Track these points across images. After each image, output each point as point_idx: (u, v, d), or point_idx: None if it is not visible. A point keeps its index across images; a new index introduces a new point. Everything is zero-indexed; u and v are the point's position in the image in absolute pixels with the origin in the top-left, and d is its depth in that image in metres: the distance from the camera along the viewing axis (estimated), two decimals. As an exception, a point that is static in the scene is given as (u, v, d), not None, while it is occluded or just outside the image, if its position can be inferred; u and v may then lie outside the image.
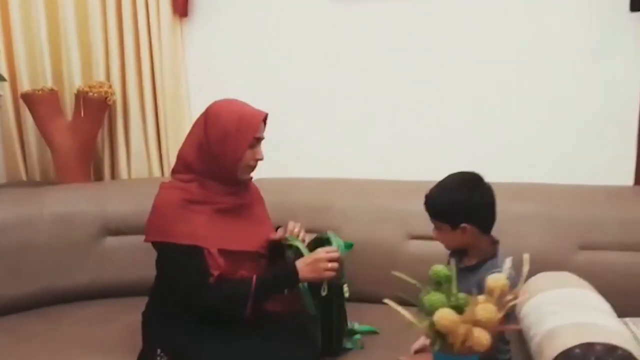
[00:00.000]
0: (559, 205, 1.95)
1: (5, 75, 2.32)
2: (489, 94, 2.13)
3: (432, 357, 1.28)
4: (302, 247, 1.64)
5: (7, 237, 2.02)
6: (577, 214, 1.92)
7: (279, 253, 1.69)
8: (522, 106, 2.11)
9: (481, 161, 2.05)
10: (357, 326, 1.81)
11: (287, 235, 1.69)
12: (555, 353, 1.32)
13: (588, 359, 1.27)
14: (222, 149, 1.60)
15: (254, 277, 1.56)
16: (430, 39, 2.17)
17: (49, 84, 2.42)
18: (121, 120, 2.43)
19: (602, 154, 2.06)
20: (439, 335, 1.17)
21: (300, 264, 1.58)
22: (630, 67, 1.99)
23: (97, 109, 2.32)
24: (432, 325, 1.16)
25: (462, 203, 1.44)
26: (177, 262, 1.58)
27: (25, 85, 2.42)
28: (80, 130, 2.34)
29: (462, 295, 1.20)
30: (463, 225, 1.44)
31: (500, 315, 1.18)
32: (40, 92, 2.32)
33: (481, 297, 1.19)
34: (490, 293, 1.17)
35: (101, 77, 2.40)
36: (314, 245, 1.67)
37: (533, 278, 1.65)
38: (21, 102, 2.39)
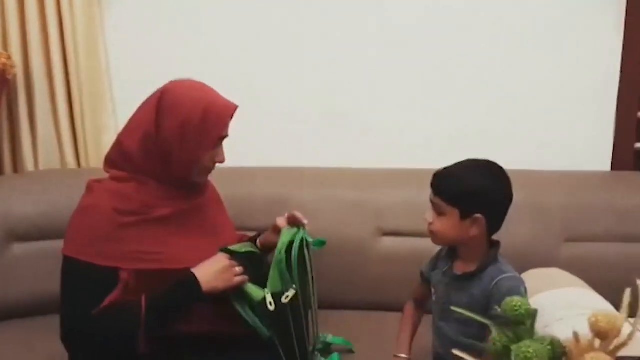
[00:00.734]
0: (541, 194, 1.81)
1: None
2: (465, 79, 1.97)
3: None
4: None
5: None
6: (560, 203, 1.79)
7: None
8: (499, 91, 1.97)
9: (457, 147, 1.98)
10: (330, 338, 1.58)
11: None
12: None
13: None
14: (177, 147, 1.28)
15: (143, 298, 1.26)
16: (400, 22, 1.96)
17: None
18: (24, 99, 2.02)
19: (578, 139, 1.96)
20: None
21: (203, 272, 1.30)
22: (610, 50, 1.89)
23: (-9, 85, 1.91)
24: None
25: (487, 191, 1.25)
26: (69, 283, 1.28)
27: None
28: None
29: (553, 338, 0.95)
30: (477, 215, 1.24)
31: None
32: None
33: (582, 340, 0.92)
34: (601, 336, 0.91)
35: (-5, 45, 1.97)
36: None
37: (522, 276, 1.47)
38: None
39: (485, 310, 1.22)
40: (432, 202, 1.29)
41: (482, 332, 1.24)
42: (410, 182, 1.87)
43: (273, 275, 1.35)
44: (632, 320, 0.93)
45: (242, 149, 1.99)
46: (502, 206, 1.27)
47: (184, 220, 1.36)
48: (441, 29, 1.94)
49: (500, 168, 1.29)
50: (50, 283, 1.59)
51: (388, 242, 1.82)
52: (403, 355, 1.38)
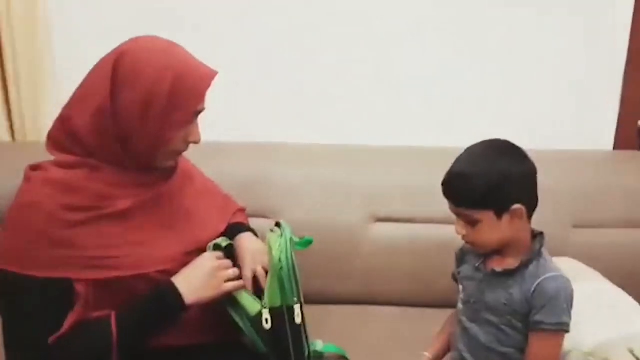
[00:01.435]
0: (547, 177, 1.60)
1: None
2: (463, 52, 1.82)
3: None
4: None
5: None
6: (567, 186, 1.66)
7: None
8: (498, 67, 1.83)
9: (455, 124, 1.84)
10: (320, 346, 1.37)
11: None
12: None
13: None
14: (139, 126, 1.03)
15: (113, 316, 1.03)
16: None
17: None
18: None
19: (581, 117, 1.84)
20: None
21: (186, 280, 1.08)
22: (618, 25, 1.77)
23: None
24: None
25: (511, 175, 1.06)
26: (9, 305, 1.02)
27: None
28: None
29: None
30: (515, 206, 1.06)
31: None
32: None
33: None
34: None
35: None
36: None
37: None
38: None
39: (525, 314, 1.08)
40: (456, 214, 1.11)
41: (524, 341, 1.10)
42: (406, 161, 1.71)
43: (272, 287, 1.13)
44: None
45: (215, 121, 1.76)
46: (531, 181, 1.10)
47: (150, 213, 1.10)
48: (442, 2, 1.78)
49: (505, 142, 1.12)
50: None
51: (382, 229, 1.65)
52: (426, 354, 1.24)
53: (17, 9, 1.70)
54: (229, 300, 1.13)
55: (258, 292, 1.15)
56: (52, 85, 1.77)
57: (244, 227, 1.30)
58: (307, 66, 1.82)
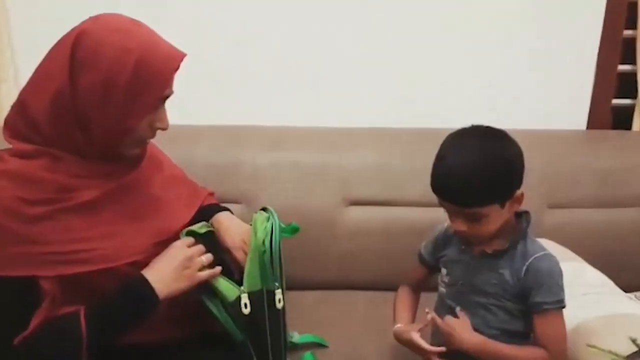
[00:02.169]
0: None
1: None
2: (436, 35, 1.78)
3: None
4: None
5: None
6: (541, 166, 1.66)
7: None
8: (470, 47, 1.79)
9: (428, 105, 1.80)
10: (296, 337, 1.35)
11: None
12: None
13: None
14: (100, 112, 0.97)
15: (82, 311, 0.98)
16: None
17: None
18: None
19: (554, 96, 1.82)
20: None
21: (158, 272, 1.04)
22: (591, 3, 1.74)
23: None
24: None
25: (509, 165, 1.05)
26: None
27: None
28: None
29: None
30: (517, 193, 1.06)
31: None
32: None
33: None
34: None
35: None
36: None
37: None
38: None
39: (515, 294, 1.09)
40: (456, 212, 1.06)
41: (513, 322, 1.10)
42: (379, 143, 1.68)
43: (251, 270, 1.10)
44: None
45: (184, 104, 1.71)
46: (523, 162, 1.08)
47: (117, 203, 1.05)
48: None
49: (489, 128, 1.09)
50: None
51: (356, 212, 1.63)
52: (399, 325, 1.21)
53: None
54: (204, 288, 1.09)
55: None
56: (10, 67, 1.69)
57: (220, 207, 1.26)
58: (278, 49, 1.76)
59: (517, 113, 1.80)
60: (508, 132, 1.09)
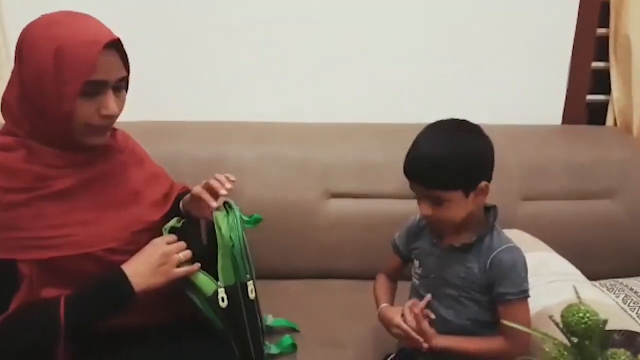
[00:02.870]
0: (496, 151, 1.67)
1: None
2: (414, 29, 1.80)
3: None
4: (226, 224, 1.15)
5: None
6: (516, 160, 1.70)
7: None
8: (447, 42, 1.81)
9: (406, 100, 1.83)
10: (270, 320, 1.41)
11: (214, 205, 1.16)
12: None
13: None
14: (40, 100, 1.01)
15: (62, 299, 1.02)
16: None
17: None
18: None
19: (529, 92, 1.85)
20: None
21: (136, 267, 1.07)
22: None
23: None
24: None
25: (481, 157, 1.10)
26: None
27: None
28: None
29: (628, 356, 0.75)
30: (482, 184, 1.09)
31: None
32: None
33: None
34: None
35: None
36: None
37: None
38: None
39: (482, 286, 1.12)
40: (425, 196, 1.10)
41: (483, 312, 1.14)
42: (358, 138, 1.72)
43: (224, 265, 1.13)
44: None
45: (168, 100, 1.76)
46: (493, 158, 1.12)
47: (93, 192, 1.09)
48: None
49: (465, 121, 1.13)
50: None
51: (336, 204, 1.66)
52: (385, 304, 1.23)
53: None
54: (184, 281, 1.13)
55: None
56: (5, 65, 1.71)
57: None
58: (260, 45, 1.78)
59: (494, 109, 1.82)
60: (485, 126, 1.12)
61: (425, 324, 1.12)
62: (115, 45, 1.04)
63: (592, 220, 1.68)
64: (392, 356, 1.25)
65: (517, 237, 1.53)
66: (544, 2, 1.77)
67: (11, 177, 1.01)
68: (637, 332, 1.13)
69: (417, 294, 1.21)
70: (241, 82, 1.80)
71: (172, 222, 1.18)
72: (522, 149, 1.72)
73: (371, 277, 1.60)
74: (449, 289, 1.15)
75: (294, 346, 1.34)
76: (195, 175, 1.40)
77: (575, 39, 1.80)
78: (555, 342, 0.73)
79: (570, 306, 0.72)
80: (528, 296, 1.12)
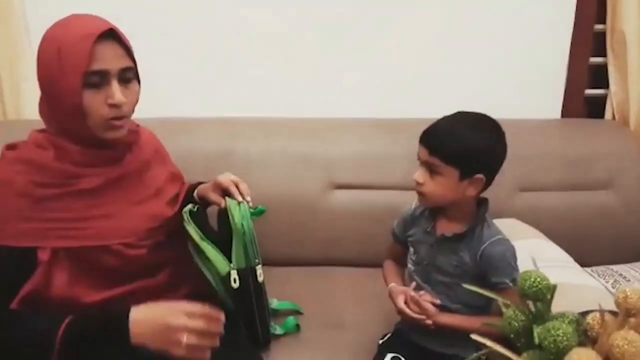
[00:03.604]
0: None
1: None
2: (409, 21, 1.83)
3: None
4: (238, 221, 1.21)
5: None
6: (515, 152, 1.65)
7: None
8: (446, 35, 1.84)
9: (406, 94, 1.87)
10: (275, 303, 1.48)
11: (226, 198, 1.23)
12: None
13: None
14: (54, 96, 1.09)
15: (65, 323, 1.02)
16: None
17: None
18: None
19: (529, 86, 1.89)
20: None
21: (140, 320, 1.02)
22: None
23: None
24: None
25: (492, 150, 1.15)
26: None
27: None
28: None
29: (574, 315, 0.85)
30: (478, 175, 1.13)
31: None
32: None
33: (607, 317, 0.83)
34: (632, 313, 0.79)
35: None
36: None
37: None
38: None
39: (474, 274, 1.16)
40: (425, 161, 1.15)
41: (472, 297, 1.15)
42: (361, 132, 1.78)
43: (237, 250, 1.21)
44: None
45: (180, 98, 1.84)
46: (501, 164, 1.17)
47: (118, 189, 1.16)
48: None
49: (496, 122, 1.18)
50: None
51: (340, 195, 1.72)
52: (392, 284, 1.27)
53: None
54: (202, 257, 1.20)
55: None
56: (30, 66, 1.75)
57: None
58: (264, 43, 1.82)
59: (495, 103, 1.77)
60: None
61: (426, 304, 1.16)
62: (113, 36, 1.07)
63: (589, 211, 1.72)
64: (388, 335, 1.31)
65: (511, 225, 1.60)
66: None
67: (43, 174, 1.08)
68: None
69: (413, 279, 1.26)
70: (248, 79, 1.85)
71: (189, 206, 1.25)
72: (521, 141, 1.73)
73: (373, 264, 1.66)
74: (441, 276, 1.20)
75: (297, 327, 1.41)
76: (206, 169, 1.52)
77: (573, 35, 1.84)
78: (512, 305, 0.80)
79: (524, 272, 0.80)
80: None
